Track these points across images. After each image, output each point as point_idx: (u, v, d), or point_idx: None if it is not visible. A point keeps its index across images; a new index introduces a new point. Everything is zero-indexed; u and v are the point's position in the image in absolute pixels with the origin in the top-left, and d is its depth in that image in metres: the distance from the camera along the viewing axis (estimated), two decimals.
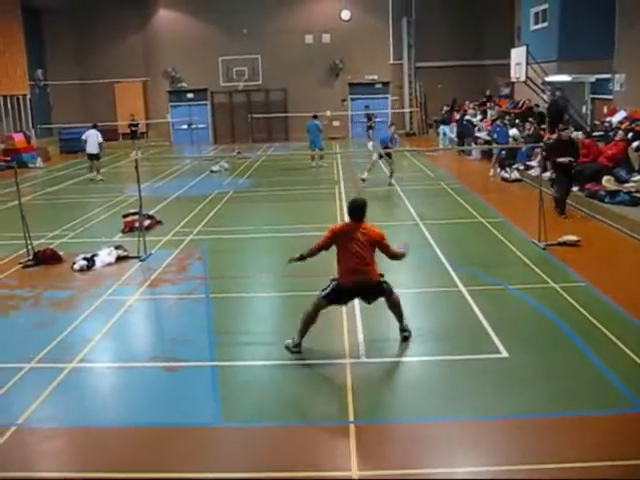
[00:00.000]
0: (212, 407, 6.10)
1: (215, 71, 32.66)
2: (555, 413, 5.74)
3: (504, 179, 18.40)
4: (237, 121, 32.85)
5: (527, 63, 20.16)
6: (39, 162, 26.31)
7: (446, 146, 26.27)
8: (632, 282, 9.36)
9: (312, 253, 7.36)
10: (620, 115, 17.34)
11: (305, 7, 32.63)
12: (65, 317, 8.54)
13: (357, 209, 7.23)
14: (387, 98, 33.56)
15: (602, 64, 19.44)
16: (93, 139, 20.93)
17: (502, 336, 7.34)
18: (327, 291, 7.08)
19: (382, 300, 7.32)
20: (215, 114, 34.01)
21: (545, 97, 21.13)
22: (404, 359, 7.07)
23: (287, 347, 7.16)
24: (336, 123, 32.46)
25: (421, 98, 33.23)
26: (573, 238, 11.19)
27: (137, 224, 12.19)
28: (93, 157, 21.19)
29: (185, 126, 32.53)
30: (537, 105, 22.06)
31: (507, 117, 22.10)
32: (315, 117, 23.46)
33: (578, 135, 16.35)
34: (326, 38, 32.75)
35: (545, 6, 21.54)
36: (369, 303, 7.37)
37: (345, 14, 32.63)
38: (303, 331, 7.12)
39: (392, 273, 10.22)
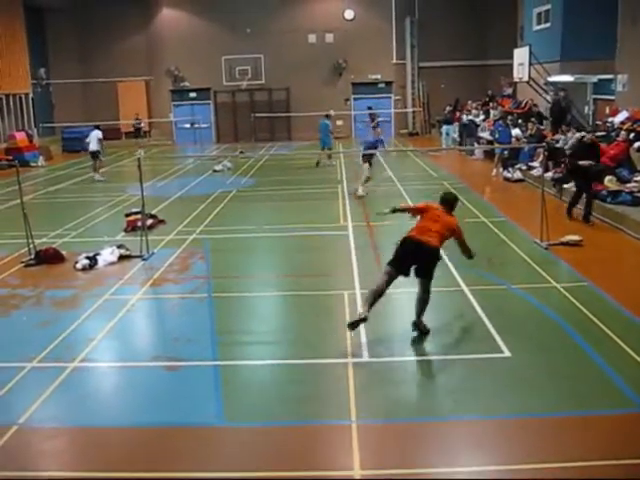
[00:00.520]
0: (214, 407, 6.09)
1: (218, 70, 32.69)
2: (558, 413, 5.74)
3: (506, 179, 18.39)
4: (240, 120, 32.85)
5: (530, 63, 20.16)
6: (41, 161, 26.33)
7: (449, 146, 26.25)
8: (634, 282, 9.36)
9: (404, 209, 8.32)
10: (622, 115, 17.31)
11: (308, 7, 32.63)
12: (67, 316, 8.54)
13: (447, 201, 7.93)
14: (390, 98, 33.55)
15: (605, 64, 19.42)
16: (93, 138, 21.00)
17: (504, 336, 7.34)
18: (393, 255, 7.51)
19: (389, 298, 7.30)
20: (218, 113, 34.04)
21: (548, 97, 21.11)
22: (406, 358, 7.06)
23: (354, 322, 7.18)
24: (339, 123, 32.47)
25: (424, 98, 33.23)
26: (575, 238, 11.18)
27: (140, 223, 12.19)
28: (93, 155, 21.23)
29: (188, 125, 32.59)
30: (535, 105, 22.04)
31: (510, 117, 22.08)
32: (327, 117, 23.49)
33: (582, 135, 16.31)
34: (329, 38, 32.76)
35: (548, 6, 21.54)
36: (417, 275, 7.58)
37: (348, 14, 32.63)
38: (371, 303, 7.26)
39: None
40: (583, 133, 16.49)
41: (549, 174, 15.70)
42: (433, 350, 7.28)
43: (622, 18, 18.71)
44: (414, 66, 32.79)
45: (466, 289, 8.96)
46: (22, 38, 29.00)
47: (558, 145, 17.00)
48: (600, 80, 21.17)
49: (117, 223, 13.99)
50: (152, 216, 13.84)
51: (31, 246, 11.34)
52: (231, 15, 31.99)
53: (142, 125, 31.61)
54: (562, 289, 8.91)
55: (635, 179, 13.69)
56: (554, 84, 21.10)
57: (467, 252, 7.95)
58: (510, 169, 18.52)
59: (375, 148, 17.20)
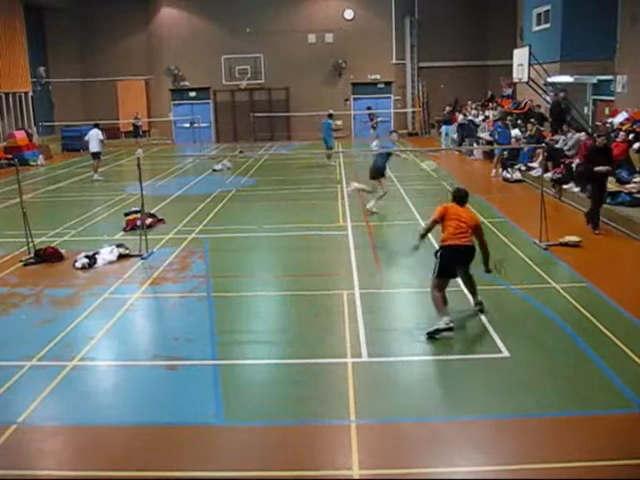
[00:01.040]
0: (213, 406, 6.10)
1: (218, 70, 32.69)
2: (556, 413, 5.75)
3: (506, 179, 18.40)
4: (239, 120, 32.86)
5: (529, 64, 20.14)
6: (41, 160, 26.34)
7: (448, 146, 26.26)
8: (633, 282, 9.38)
9: (430, 228, 8.15)
10: (621, 116, 17.33)
11: (308, 6, 32.63)
12: (66, 315, 8.55)
13: (461, 198, 8.12)
14: (390, 98, 33.56)
15: (604, 65, 19.45)
16: (94, 138, 20.95)
17: (503, 336, 7.35)
18: (436, 268, 7.75)
19: (389, 298, 7.31)
20: (217, 113, 34.04)
21: (548, 98, 21.12)
22: (406, 358, 7.06)
23: (437, 330, 7.39)
24: (339, 122, 32.47)
25: (424, 98, 33.24)
26: (574, 239, 11.19)
27: (139, 222, 12.19)
28: (94, 155, 21.22)
29: (187, 125, 32.58)
30: (539, 105, 22.05)
31: (509, 117, 22.09)
32: (330, 116, 23.49)
33: (581, 136, 16.33)
34: (329, 37, 32.77)
35: (548, 7, 21.55)
36: (462, 273, 8.01)
37: (348, 14, 32.65)
38: (442, 311, 7.55)
39: (394, 272, 10.26)
40: (583, 134, 16.55)
41: (548, 174, 15.71)
42: (432, 350, 7.29)
43: (622, 19, 18.74)
44: (414, 66, 32.80)
45: (465, 289, 8.96)
46: (22, 37, 29.00)
47: (558, 146, 17.02)
48: (600, 81, 21.19)
49: (117, 222, 13.99)
50: (151, 215, 13.85)
51: (30, 245, 11.34)
52: (231, 14, 31.99)
53: (140, 123, 31.55)
54: (561, 290, 8.92)
55: (634, 180, 13.71)
56: (554, 85, 21.11)
57: (486, 250, 8.01)
58: (509, 169, 18.53)
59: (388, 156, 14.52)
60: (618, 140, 15.03)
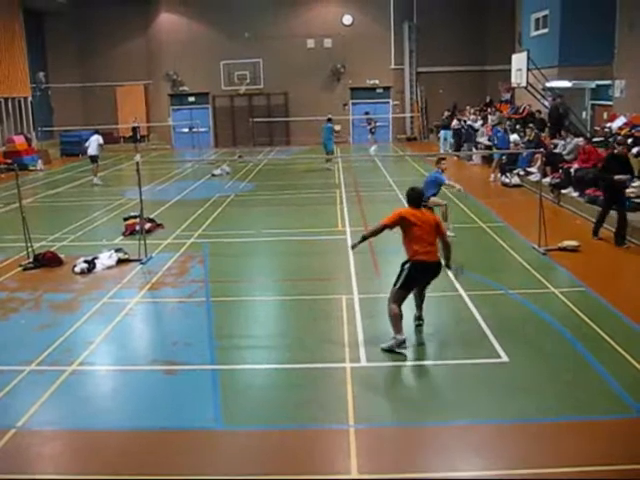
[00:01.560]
0: (212, 411, 6.09)
1: (217, 75, 32.71)
2: (555, 418, 5.75)
3: (504, 184, 18.42)
4: (238, 125, 32.90)
5: (528, 69, 20.20)
6: (40, 165, 26.34)
7: (447, 151, 26.29)
8: (632, 287, 9.39)
9: (375, 232, 7.54)
10: (620, 121, 17.38)
11: (307, 12, 32.68)
12: (65, 320, 8.54)
13: (414, 200, 7.54)
14: (388, 103, 33.60)
15: (602, 70, 19.51)
16: (94, 142, 21.06)
17: (502, 341, 7.35)
18: (402, 280, 7.30)
19: (380, 303, 7.29)
20: (216, 118, 34.07)
21: (546, 103, 21.17)
22: (404, 363, 7.07)
23: (390, 348, 7.18)
24: (337, 127, 32.53)
25: (422, 103, 33.29)
26: (573, 243, 11.20)
27: (138, 227, 12.20)
28: (92, 159, 21.27)
29: (186, 130, 32.61)
30: (539, 111, 22.10)
31: (508, 122, 22.13)
32: (329, 120, 23.50)
33: (580, 141, 16.37)
34: (328, 43, 32.81)
35: (546, 12, 21.62)
36: (422, 286, 7.75)
37: (347, 19, 32.71)
38: (397, 327, 7.23)
39: (393, 277, 10.26)
40: (581, 139, 16.59)
41: (547, 179, 15.74)
42: (431, 355, 7.29)
43: (620, 24, 18.81)
44: (412, 71, 32.85)
45: (464, 294, 8.98)
46: (21, 42, 29.00)
47: (556, 150, 17.06)
48: (598, 86, 21.25)
49: (115, 227, 14.00)
50: (150, 220, 13.87)
51: (30, 250, 11.34)
52: (230, 20, 32.03)
53: (138, 126, 31.60)
54: (560, 294, 8.93)
55: (633, 185, 13.72)
56: (552, 89, 21.16)
57: (448, 248, 7.52)
58: (508, 174, 18.56)
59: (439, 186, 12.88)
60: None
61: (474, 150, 24.25)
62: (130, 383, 6.87)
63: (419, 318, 7.96)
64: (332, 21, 32.62)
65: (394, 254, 11.54)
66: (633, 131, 15.96)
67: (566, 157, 16.45)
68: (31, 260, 11.25)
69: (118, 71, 33.45)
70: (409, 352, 7.31)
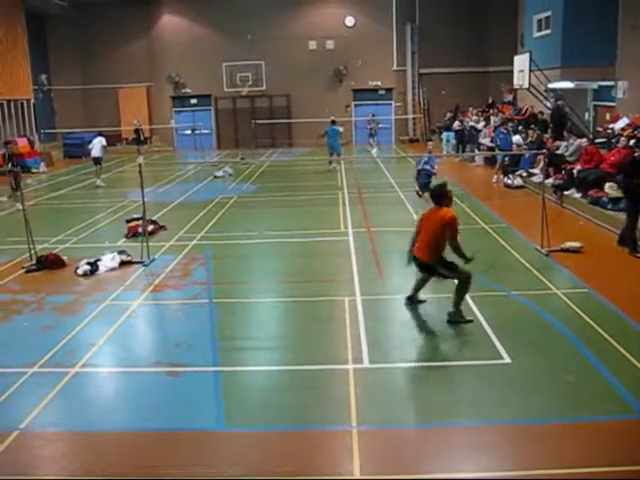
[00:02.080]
0: (214, 412, 6.10)
1: (219, 77, 32.73)
2: (558, 419, 5.74)
3: (507, 185, 18.41)
4: (241, 127, 32.90)
5: (530, 70, 20.18)
6: (42, 167, 26.38)
7: (449, 152, 26.29)
8: (634, 288, 9.35)
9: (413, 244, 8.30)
10: (622, 122, 17.34)
11: (309, 13, 32.71)
12: (68, 322, 8.56)
13: (434, 197, 8.10)
14: (390, 104, 33.59)
15: (605, 71, 19.47)
16: (97, 144, 21.15)
17: (505, 342, 7.35)
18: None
19: (383, 304, 7.31)
20: (219, 120, 34.10)
21: (548, 104, 21.16)
22: (407, 364, 7.07)
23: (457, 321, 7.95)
24: (340, 129, 32.54)
25: (424, 104, 33.28)
26: (576, 245, 11.19)
27: (140, 229, 12.21)
28: (95, 161, 21.35)
29: (188, 132, 32.65)
30: (542, 112, 22.08)
31: (510, 124, 22.11)
32: (333, 122, 23.46)
33: (582, 142, 16.35)
34: (330, 44, 32.84)
35: (548, 13, 21.60)
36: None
37: (349, 20, 32.73)
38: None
39: (396, 278, 10.27)
40: (584, 140, 16.57)
41: (550, 180, 15.73)
42: (433, 356, 7.29)
43: (622, 25, 18.77)
44: (414, 73, 32.86)
45: (467, 295, 8.95)
46: (23, 44, 29.08)
47: (559, 152, 17.04)
48: (600, 87, 21.21)
49: (118, 229, 14.01)
50: (153, 222, 13.87)
51: (32, 252, 11.36)
52: (232, 22, 32.06)
53: (140, 127, 31.67)
54: (562, 295, 8.92)
55: None
56: (554, 91, 21.15)
57: (456, 252, 7.96)
58: (511, 175, 18.54)
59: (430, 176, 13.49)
60: (619, 146, 15.05)
61: (476, 151, 24.24)
62: (133, 385, 6.88)
63: (409, 298, 8.63)
64: (334, 23, 32.64)
65: (396, 255, 11.57)
66: (636, 132, 15.91)
67: (569, 158, 16.44)
68: (34, 262, 11.27)
69: (120, 73, 33.50)
70: (412, 353, 7.32)
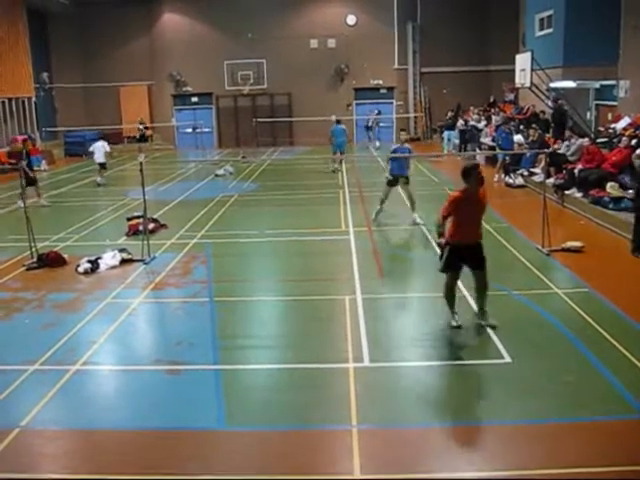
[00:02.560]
0: (215, 411, 6.10)
1: (220, 75, 32.73)
2: (558, 419, 5.74)
3: (508, 185, 18.40)
4: (242, 125, 32.92)
5: (532, 69, 20.16)
6: (44, 165, 26.38)
7: (450, 151, 26.27)
8: (635, 288, 9.34)
9: (442, 224, 7.87)
10: (624, 122, 17.33)
11: (310, 12, 32.71)
12: (69, 319, 8.56)
13: (463, 174, 7.65)
14: (392, 103, 33.59)
15: (607, 70, 19.45)
16: (100, 150, 21.11)
17: (505, 342, 7.34)
18: (443, 262, 7.77)
19: (383, 303, 7.28)
20: (220, 118, 34.11)
21: (550, 103, 21.14)
22: (408, 364, 7.07)
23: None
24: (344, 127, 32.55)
25: (426, 103, 33.28)
26: (577, 244, 11.18)
27: (141, 227, 12.22)
28: (101, 165, 21.39)
29: (190, 130, 32.65)
30: (543, 112, 22.06)
31: (512, 123, 22.09)
32: (338, 122, 23.36)
33: (584, 142, 16.34)
34: (331, 43, 32.85)
35: (550, 12, 21.58)
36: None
37: (350, 19, 32.74)
38: (452, 306, 7.91)
39: (396, 277, 10.27)
40: (586, 139, 16.55)
41: (551, 180, 15.71)
42: (434, 355, 7.28)
43: (624, 24, 18.75)
44: (416, 71, 32.87)
45: (467, 295, 8.96)
46: (25, 42, 29.09)
47: (560, 151, 17.03)
48: (602, 86, 21.20)
49: (119, 227, 14.02)
50: (154, 220, 13.88)
51: (33, 249, 11.37)
52: (233, 20, 32.07)
53: (147, 126, 31.78)
54: (563, 295, 8.92)
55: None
56: (555, 90, 21.13)
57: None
58: (512, 175, 18.54)
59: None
60: (621, 146, 15.04)
61: (477, 151, 24.22)
62: (133, 383, 6.88)
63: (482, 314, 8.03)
64: (336, 21, 32.65)
65: (397, 255, 11.57)
66: (637, 132, 15.90)
67: (570, 158, 16.43)
68: (35, 260, 11.27)
69: (121, 71, 33.53)
70: (412, 352, 7.32)
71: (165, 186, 20.54)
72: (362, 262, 10.88)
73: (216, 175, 22.24)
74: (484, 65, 31.80)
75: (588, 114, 22.42)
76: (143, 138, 31.88)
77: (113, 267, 10.99)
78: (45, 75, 32.87)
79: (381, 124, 31.17)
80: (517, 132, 20.77)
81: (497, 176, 19.31)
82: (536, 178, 17.46)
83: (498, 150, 19.65)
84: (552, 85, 21.05)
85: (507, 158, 18.74)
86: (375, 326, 8.01)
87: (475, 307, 8.19)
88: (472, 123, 26.04)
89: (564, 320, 8.00)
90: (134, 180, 18.16)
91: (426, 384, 6.68)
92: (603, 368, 6.64)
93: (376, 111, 31.48)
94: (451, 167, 22.96)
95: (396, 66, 33.13)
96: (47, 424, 5.92)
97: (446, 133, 27.09)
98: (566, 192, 15.25)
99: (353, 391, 6.33)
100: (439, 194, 17.37)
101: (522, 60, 21.47)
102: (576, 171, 15.22)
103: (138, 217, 13.34)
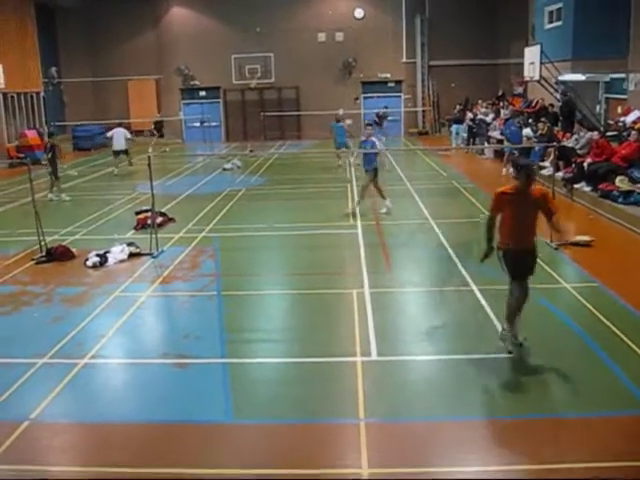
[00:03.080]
0: (222, 404, 6.11)
1: (228, 69, 32.71)
2: (565, 413, 5.73)
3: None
4: (249, 119, 32.90)
5: (541, 62, 20.03)
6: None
7: (458, 145, 26.19)
8: None
9: (490, 226, 7.24)
10: (634, 115, 17.22)
11: (318, 5, 32.62)
12: (77, 313, 8.59)
13: (514, 166, 7.24)
14: (400, 97, 33.49)
15: (617, 63, 19.29)
16: (120, 135, 21.29)
17: None
18: (507, 271, 7.00)
19: (391, 297, 7.25)
20: (228, 112, 34.10)
21: (558, 96, 21.02)
22: (415, 358, 7.06)
23: (507, 341, 7.02)
24: (349, 122, 32.43)
25: (434, 97, 33.17)
26: (586, 238, 11.13)
27: (149, 221, 12.24)
28: (121, 153, 21.51)
29: (197, 124, 32.67)
30: (552, 105, 21.94)
31: (520, 116, 21.98)
32: (338, 121, 23.21)
33: (593, 135, 16.23)
34: (339, 36, 32.76)
35: (559, 4, 21.40)
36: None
37: (358, 12, 32.63)
38: (513, 324, 7.08)
39: (404, 271, 10.25)
40: (595, 132, 16.45)
41: (560, 174, 15.63)
42: (441, 349, 7.27)
43: (635, 16, 18.59)
44: (424, 65, 32.74)
45: (475, 289, 8.94)
46: (33, 37, 29.16)
47: (569, 144, 16.94)
48: (612, 79, 21.04)
49: (127, 221, 14.05)
50: (162, 214, 13.90)
51: (42, 243, 11.41)
52: (241, 14, 32.02)
53: (162, 120, 31.98)
54: (572, 289, 8.88)
55: None
56: (565, 83, 21.00)
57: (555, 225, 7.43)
58: None
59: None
60: (630, 139, 14.94)
61: (486, 144, 24.13)
62: (141, 376, 6.91)
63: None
64: (344, 15, 32.56)
65: (405, 248, 11.55)
66: None
67: (579, 151, 16.34)
68: (43, 254, 11.31)
69: (129, 66, 33.58)
70: (419, 346, 7.31)
71: (173, 180, 20.56)
72: (370, 256, 10.87)
73: (224, 169, 22.24)
74: (493, 58, 31.62)
75: (597, 107, 22.27)
76: (161, 132, 32.22)
77: (121, 261, 11.02)
78: (54, 70, 32.95)
79: (390, 118, 31.02)
80: (526, 125, 20.66)
81: (505, 169, 19.23)
82: (545, 172, 17.35)
83: (506, 143, 19.56)
84: (561, 78, 20.91)
85: (515, 152, 18.64)
86: (383, 320, 8.00)
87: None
88: (480, 117, 25.93)
89: (572, 314, 7.97)
90: (142, 174, 18.20)
91: (433, 378, 6.68)
92: (612, 363, 6.61)
93: (384, 107, 31.35)
94: (460, 161, 22.95)
95: (404, 59, 33.00)
96: (56, 417, 5.95)
97: (454, 127, 26.97)
98: (575, 186, 15.18)
99: (361, 385, 6.33)
100: (447, 188, 17.37)
101: (531, 53, 21.33)
102: (585, 165, 15.14)
103: (146, 211, 13.36)
